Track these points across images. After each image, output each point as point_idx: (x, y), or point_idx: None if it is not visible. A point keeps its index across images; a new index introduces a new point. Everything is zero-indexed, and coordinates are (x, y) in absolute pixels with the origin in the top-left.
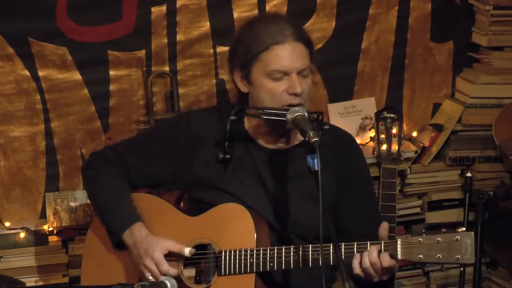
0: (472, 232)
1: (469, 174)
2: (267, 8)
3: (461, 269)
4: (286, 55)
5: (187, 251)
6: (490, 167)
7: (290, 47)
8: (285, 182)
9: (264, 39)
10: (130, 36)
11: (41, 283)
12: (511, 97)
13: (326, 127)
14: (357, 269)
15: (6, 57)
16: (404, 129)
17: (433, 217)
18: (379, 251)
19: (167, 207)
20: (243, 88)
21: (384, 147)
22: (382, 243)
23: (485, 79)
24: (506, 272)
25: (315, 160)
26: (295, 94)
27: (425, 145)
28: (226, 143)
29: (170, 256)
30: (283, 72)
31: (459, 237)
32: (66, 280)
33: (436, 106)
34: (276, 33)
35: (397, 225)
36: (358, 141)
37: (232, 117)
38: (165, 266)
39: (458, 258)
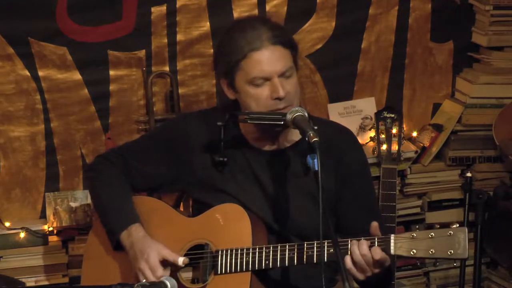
0: (465, 227)
1: (469, 174)
2: (267, 8)
3: (455, 264)
4: (265, 60)
5: (180, 260)
6: (490, 167)
7: (268, 51)
8: (282, 182)
9: (242, 46)
10: (130, 36)
11: (41, 283)
12: (511, 97)
13: (315, 127)
14: (348, 263)
15: (6, 57)
16: (404, 129)
17: (433, 217)
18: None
19: (167, 209)
20: (230, 95)
21: (384, 147)
22: (376, 238)
23: (485, 79)
24: (506, 272)
25: (315, 160)
26: (279, 98)
27: (425, 145)
28: (222, 147)
29: (165, 264)
30: (264, 78)
31: (452, 232)
32: (66, 280)
33: (436, 106)
34: (253, 39)
35: (397, 225)
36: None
37: (219, 123)
38: (160, 271)
39: (451, 253)
